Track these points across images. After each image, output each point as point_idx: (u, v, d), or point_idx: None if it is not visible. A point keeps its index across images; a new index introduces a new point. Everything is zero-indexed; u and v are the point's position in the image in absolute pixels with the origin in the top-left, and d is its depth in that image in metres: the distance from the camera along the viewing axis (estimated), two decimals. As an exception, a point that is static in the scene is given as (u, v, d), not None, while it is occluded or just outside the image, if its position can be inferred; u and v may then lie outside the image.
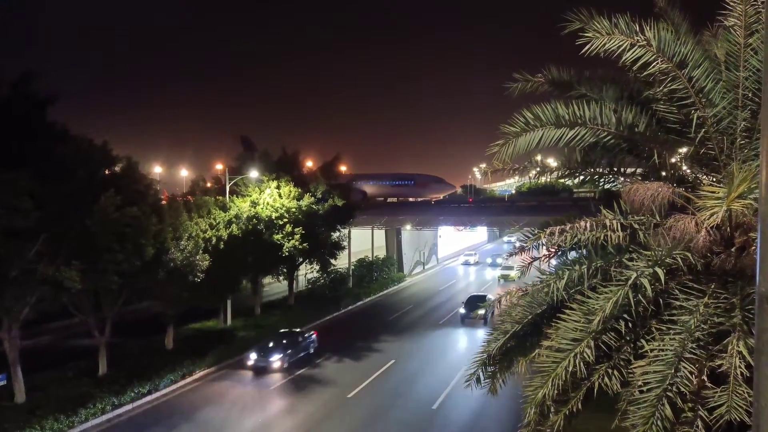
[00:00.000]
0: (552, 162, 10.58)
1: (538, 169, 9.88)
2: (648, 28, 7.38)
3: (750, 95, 7.63)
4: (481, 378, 9.99)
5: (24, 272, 17.17)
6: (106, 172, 20.81)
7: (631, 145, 8.30)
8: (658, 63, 7.44)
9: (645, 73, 7.65)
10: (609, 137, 8.06)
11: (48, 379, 20.81)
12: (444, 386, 22.29)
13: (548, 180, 10.12)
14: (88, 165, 18.91)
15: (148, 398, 20.89)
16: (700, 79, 7.63)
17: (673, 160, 8.77)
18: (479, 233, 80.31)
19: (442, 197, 65.59)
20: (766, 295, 1.46)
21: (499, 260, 56.29)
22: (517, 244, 9.63)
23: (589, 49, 7.31)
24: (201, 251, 23.74)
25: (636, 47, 7.34)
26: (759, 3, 7.42)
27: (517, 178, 10.18)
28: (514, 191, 75.27)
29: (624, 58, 7.43)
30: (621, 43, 7.30)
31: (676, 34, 7.84)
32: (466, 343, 29.92)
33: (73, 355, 23.82)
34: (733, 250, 7.66)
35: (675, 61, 7.45)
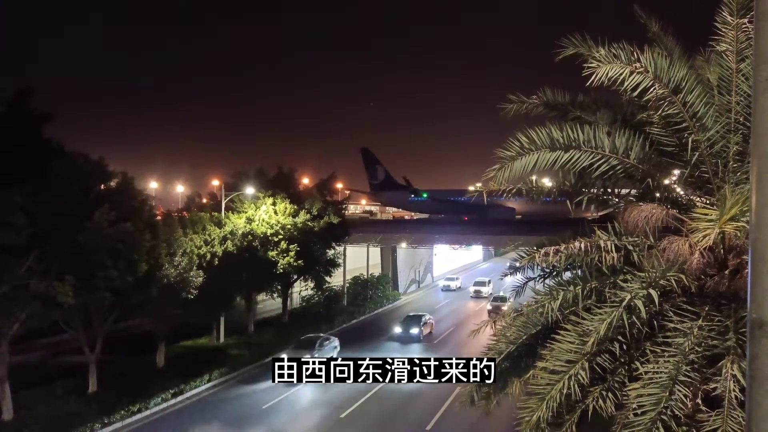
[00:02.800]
0: (547, 182, 10.64)
1: (534, 190, 9.93)
2: (643, 55, 7.50)
3: (741, 120, 7.73)
4: (476, 399, 9.91)
5: (15, 288, 17.03)
6: (102, 187, 20.79)
7: (625, 167, 8.37)
8: (655, 89, 7.55)
9: (644, 99, 7.75)
10: (603, 160, 8.13)
11: (36, 396, 20.50)
12: (438, 406, 22.09)
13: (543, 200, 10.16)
14: (82, 181, 18.89)
15: (138, 416, 20.61)
16: (695, 104, 7.72)
17: (666, 182, 8.84)
18: (474, 252, 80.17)
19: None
20: (757, 322, 1.46)
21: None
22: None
23: (595, 77, 7.42)
24: (195, 267, 23.62)
25: (635, 74, 7.47)
26: (750, 30, 7.56)
27: (512, 198, 10.22)
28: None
29: (625, 85, 7.54)
30: (621, 71, 7.43)
31: (669, 58, 7.96)
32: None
33: (63, 372, 23.50)
34: (726, 272, 7.68)
35: (670, 86, 7.56)
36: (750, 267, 1.50)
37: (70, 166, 18.69)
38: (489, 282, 51.86)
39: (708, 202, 8.13)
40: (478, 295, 50.40)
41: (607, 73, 7.40)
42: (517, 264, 9.72)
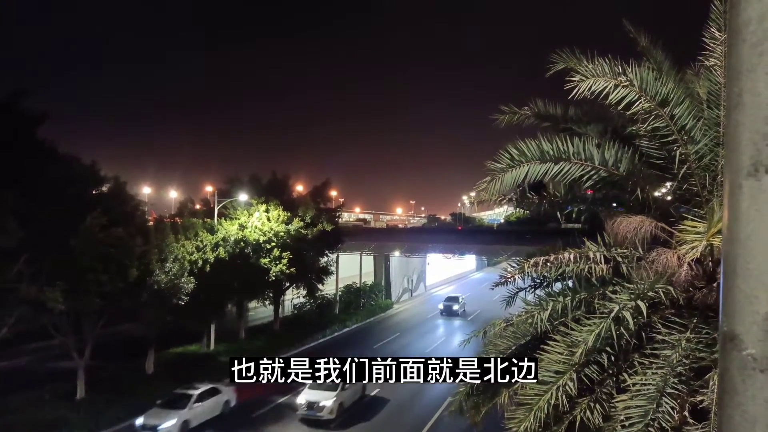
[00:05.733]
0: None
1: (526, 200, 9.98)
2: (630, 69, 7.55)
3: (730, 133, 7.79)
4: (464, 409, 9.89)
5: (3, 292, 16.89)
6: (94, 191, 20.71)
7: (615, 180, 8.42)
8: (641, 102, 7.60)
9: (630, 112, 7.80)
10: (593, 172, 8.18)
11: (24, 401, 20.27)
12: (428, 417, 22.01)
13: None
14: (75, 184, 18.80)
15: (127, 423, 20.39)
16: (682, 117, 7.78)
17: (656, 194, 8.89)
18: (468, 261, 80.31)
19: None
20: (728, 335, 1.48)
21: None
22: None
23: (576, 92, 7.46)
24: (186, 274, 23.51)
25: (620, 88, 7.51)
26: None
27: (505, 207, 10.28)
28: (502, 220, 75.57)
29: (610, 98, 7.59)
30: (605, 84, 7.48)
31: (658, 72, 8.02)
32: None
33: (51, 377, 23.26)
34: (714, 284, 7.71)
35: (657, 99, 7.61)
36: (722, 280, 1.52)
37: (65, 168, 18.62)
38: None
39: (697, 214, 8.18)
40: (312, 415, 20.93)
41: (590, 87, 7.45)
42: (507, 275, 9.72)
